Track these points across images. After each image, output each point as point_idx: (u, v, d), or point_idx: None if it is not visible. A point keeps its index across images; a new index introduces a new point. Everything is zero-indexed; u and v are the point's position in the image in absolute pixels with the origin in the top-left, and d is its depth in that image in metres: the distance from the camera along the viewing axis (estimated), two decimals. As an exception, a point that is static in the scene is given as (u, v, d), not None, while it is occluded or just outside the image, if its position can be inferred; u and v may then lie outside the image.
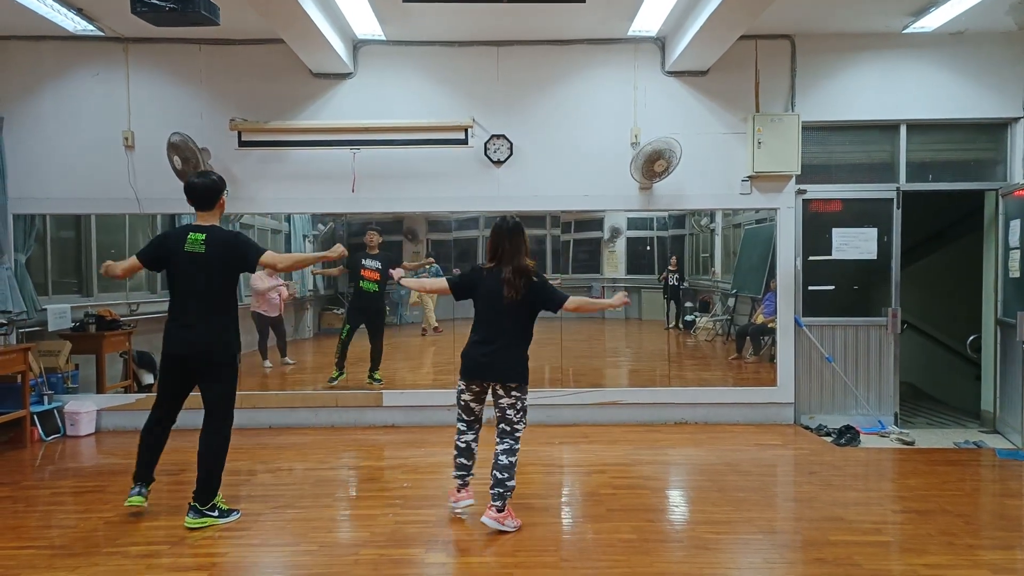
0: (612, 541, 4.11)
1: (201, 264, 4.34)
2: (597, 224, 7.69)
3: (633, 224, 7.63)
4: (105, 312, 7.16)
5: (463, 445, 4.50)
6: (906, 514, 4.57)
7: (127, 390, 7.26)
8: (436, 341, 7.60)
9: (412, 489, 5.08)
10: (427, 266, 7.45)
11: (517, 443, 4.36)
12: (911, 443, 6.34)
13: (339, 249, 4.71)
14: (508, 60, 6.88)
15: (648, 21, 6.37)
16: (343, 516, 4.60)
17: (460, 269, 7.57)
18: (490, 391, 4.40)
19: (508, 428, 4.35)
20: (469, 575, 3.73)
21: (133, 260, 4.53)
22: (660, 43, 6.87)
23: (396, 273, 5.03)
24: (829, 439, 6.42)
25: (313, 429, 6.86)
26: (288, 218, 7.88)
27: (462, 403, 4.47)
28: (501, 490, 4.24)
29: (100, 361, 7.06)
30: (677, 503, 4.86)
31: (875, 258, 6.94)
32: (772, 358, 7.07)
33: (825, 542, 4.09)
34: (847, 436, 6.35)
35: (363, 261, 7.21)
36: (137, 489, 4.50)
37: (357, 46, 6.85)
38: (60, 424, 6.74)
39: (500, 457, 4.30)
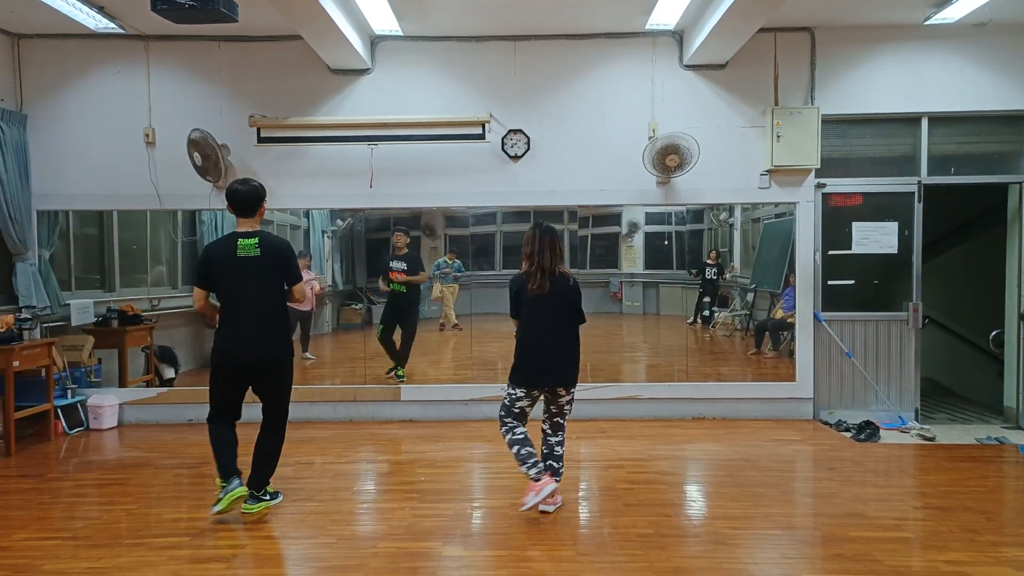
0: (629, 536, 4.11)
1: (256, 268, 4.35)
2: (615, 219, 7.69)
3: (651, 219, 7.61)
4: (127, 307, 7.24)
5: (521, 436, 4.46)
6: (927, 510, 4.54)
7: (149, 384, 7.34)
8: (454, 336, 7.62)
9: (430, 483, 5.10)
10: (451, 262, 7.51)
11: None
12: (932, 439, 6.28)
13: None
14: (525, 55, 6.88)
15: (666, 15, 6.34)
16: (361, 509, 4.64)
17: (478, 265, 7.59)
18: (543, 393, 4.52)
19: (562, 421, 4.61)
20: (486, 569, 3.74)
21: (199, 292, 4.45)
22: (678, 37, 6.84)
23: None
24: (849, 435, 6.38)
25: (332, 423, 6.90)
26: (307, 214, 7.94)
27: (517, 410, 4.51)
28: (559, 478, 4.52)
29: (122, 355, 7.15)
30: (694, 498, 4.85)
31: (896, 252, 6.87)
32: (791, 353, 7.02)
33: (844, 538, 4.07)
34: (867, 432, 6.30)
35: (390, 263, 7.33)
36: (237, 482, 4.39)
37: (375, 42, 6.87)
38: (83, 418, 6.83)
39: (557, 449, 4.56)
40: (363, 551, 3.95)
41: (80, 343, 6.90)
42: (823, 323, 6.88)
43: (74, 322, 6.99)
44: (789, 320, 7.05)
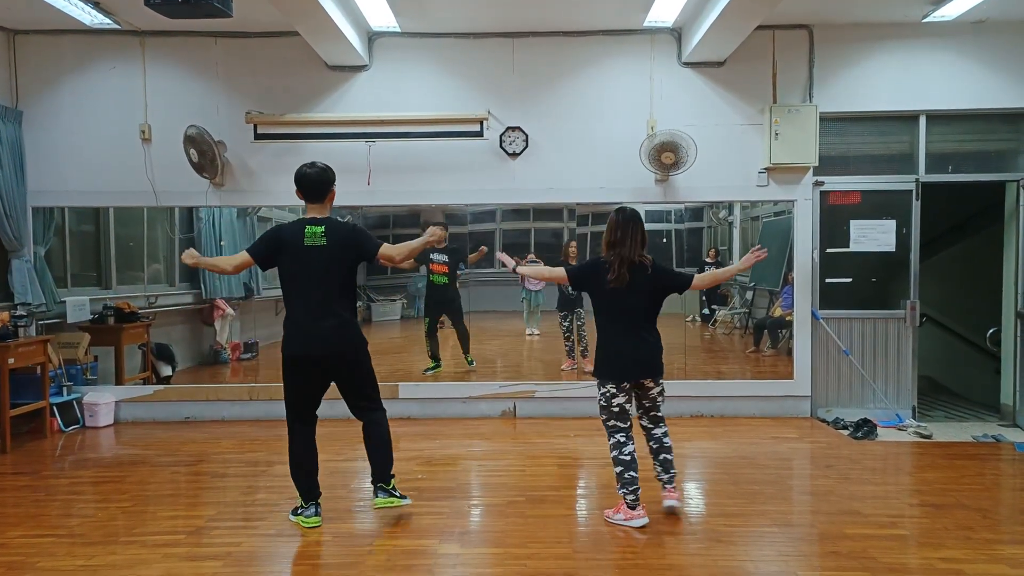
0: (626, 533, 4.11)
1: (324, 258, 4.14)
2: (614, 217, 7.66)
3: (651, 217, 7.59)
4: (123, 304, 7.23)
5: (627, 457, 4.24)
6: (923, 508, 4.53)
7: (145, 382, 7.33)
8: (452, 334, 7.60)
9: (426, 481, 5.10)
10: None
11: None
12: (929, 437, 6.28)
13: (438, 233, 4.68)
14: (523, 52, 6.86)
15: (664, 12, 6.33)
16: (358, 507, 4.63)
17: (477, 263, 7.59)
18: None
19: (660, 413, 4.38)
20: (482, 566, 3.73)
21: (244, 256, 4.23)
22: (676, 34, 6.83)
23: (507, 261, 4.77)
24: (846, 432, 6.38)
25: (329, 421, 6.80)
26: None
27: (616, 408, 4.26)
28: (675, 471, 4.35)
29: (119, 353, 7.13)
30: (692, 496, 4.85)
31: (894, 250, 6.87)
32: (790, 351, 7.02)
33: (841, 535, 4.07)
34: (864, 429, 6.30)
35: (431, 255, 7.38)
36: (314, 510, 4.30)
37: (372, 38, 6.85)
38: (79, 415, 6.81)
39: (666, 440, 4.36)
40: (359, 549, 3.95)
41: (76, 340, 6.89)
42: (821, 321, 6.88)
43: (70, 319, 6.97)
44: (788, 318, 7.04)
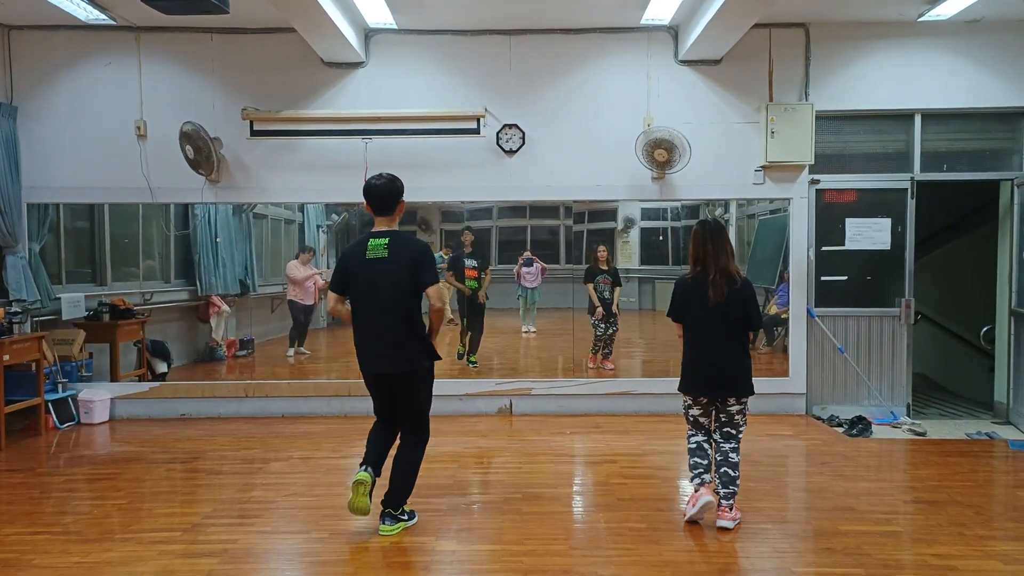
0: (622, 530, 4.12)
1: (385, 271, 4.01)
2: (611, 215, 7.69)
3: (647, 215, 7.62)
4: (119, 301, 7.21)
5: (694, 445, 4.29)
6: (917, 504, 4.56)
7: (141, 379, 7.32)
8: (449, 331, 7.62)
9: (423, 478, 5.05)
10: (446, 256, 7.58)
11: (740, 443, 4.27)
12: (923, 434, 6.31)
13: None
14: (520, 49, 6.86)
15: (661, 9, 6.33)
16: (354, 504, 4.62)
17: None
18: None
19: (734, 431, 4.24)
20: (479, 563, 3.74)
21: (331, 295, 4.19)
22: (673, 32, 6.83)
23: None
24: (841, 429, 6.40)
25: (325, 418, 6.89)
26: (301, 208, 7.93)
27: (691, 418, 4.33)
28: (735, 488, 4.16)
29: (114, 350, 7.11)
30: (688, 493, 4.84)
31: (889, 248, 6.89)
32: (785, 349, 7.03)
33: (835, 532, 4.08)
34: (859, 427, 6.32)
35: (464, 261, 7.47)
36: (366, 468, 4.09)
37: (369, 35, 6.84)
38: (74, 412, 6.79)
39: (732, 456, 4.19)
40: (355, 545, 3.95)
41: (71, 337, 6.87)
42: (816, 319, 6.89)
43: (65, 316, 6.95)
44: (783, 316, 7.06)
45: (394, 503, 4.14)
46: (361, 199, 6.78)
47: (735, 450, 4.21)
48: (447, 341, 7.85)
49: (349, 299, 4.15)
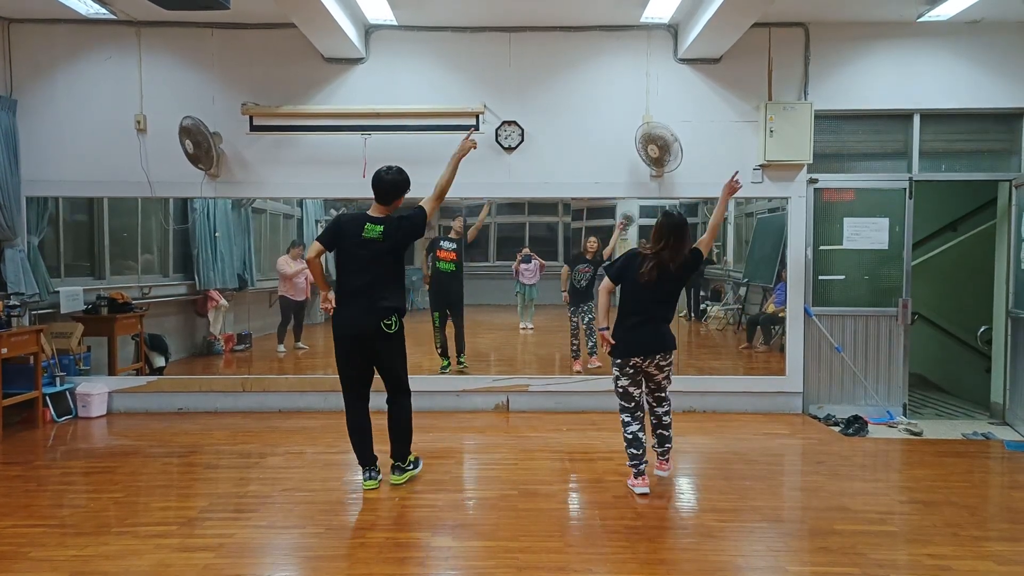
0: (617, 527, 4.13)
1: (376, 252, 4.51)
2: (609, 212, 7.68)
3: (645, 212, 7.60)
4: (117, 295, 7.21)
5: (630, 436, 4.68)
6: (912, 504, 4.57)
7: (139, 372, 7.32)
8: (447, 327, 7.60)
9: (420, 473, 5.10)
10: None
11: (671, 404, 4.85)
12: (919, 434, 6.32)
13: (468, 144, 5.01)
14: (520, 46, 6.86)
15: (661, 8, 6.33)
16: (350, 499, 4.63)
17: (471, 256, 7.59)
18: (644, 371, 4.64)
19: (663, 394, 4.78)
20: (474, 559, 3.75)
21: (318, 246, 4.60)
22: (673, 30, 6.83)
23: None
24: (837, 429, 6.41)
25: (322, 413, 6.89)
26: (300, 203, 7.92)
27: (620, 390, 4.67)
28: (670, 446, 4.86)
29: (112, 343, 7.12)
30: (683, 490, 4.87)
31: (886, 248, 6.90)
32: (782, 348, 7.05)
33: (830, 531, 4.10)
34: (855, 426, 6.33)
35: (441, 242, 7.35)
36: (368, 474, 4.75)
37: (369, 31, 6.83)
38: (72, 405, 6.80)
39: (664, 418, 4.80)
40: (351, 540, 3.96)
41: (69, 330, 6.87)
42: (813, 318, 6.91)
43: (63, 309, 6.96)
44: (781, 315, 7.07)
45: (400, 456, 4.80)
46: (360, 194, 6.83)
47: (667, 413, 4.81)
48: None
49: (336, 270, 4.60)
